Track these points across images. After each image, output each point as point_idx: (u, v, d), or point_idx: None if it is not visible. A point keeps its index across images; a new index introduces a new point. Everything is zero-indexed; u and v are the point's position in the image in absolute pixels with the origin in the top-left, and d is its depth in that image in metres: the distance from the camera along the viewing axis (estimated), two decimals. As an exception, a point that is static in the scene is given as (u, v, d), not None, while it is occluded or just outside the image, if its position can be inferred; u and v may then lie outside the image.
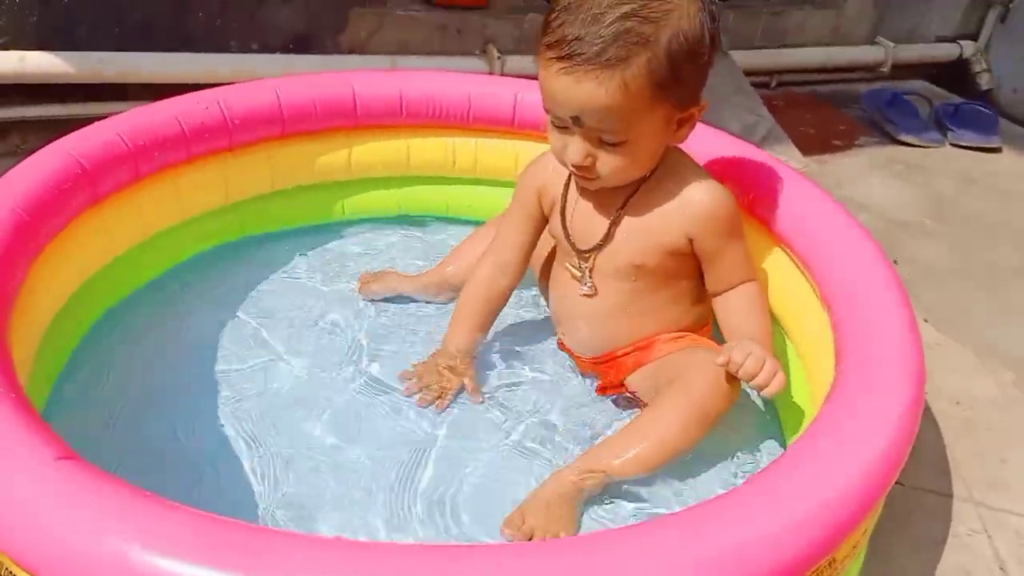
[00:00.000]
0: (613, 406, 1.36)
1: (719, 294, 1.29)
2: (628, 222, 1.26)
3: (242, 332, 1.41)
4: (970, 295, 1.89)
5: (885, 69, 3.03)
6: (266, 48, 2.12)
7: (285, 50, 2.14)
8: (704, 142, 1.40)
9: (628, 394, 1.34)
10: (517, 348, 1.45)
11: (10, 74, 1.86)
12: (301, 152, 1.62)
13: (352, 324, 1.46)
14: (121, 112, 1.42)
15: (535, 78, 1.19)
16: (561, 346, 1.43)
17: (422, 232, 1.76)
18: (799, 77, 2.95)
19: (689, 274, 1.30)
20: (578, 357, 1.39)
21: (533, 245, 1.39)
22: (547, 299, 1.45)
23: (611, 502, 1.17)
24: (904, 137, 2.61)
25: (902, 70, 3.07)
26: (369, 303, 1.52)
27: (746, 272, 1.28)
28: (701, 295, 1.32)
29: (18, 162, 1.26)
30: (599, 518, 1.15)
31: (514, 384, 1.37)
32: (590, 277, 1.30)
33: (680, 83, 1.12)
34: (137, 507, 0.76)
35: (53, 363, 1.25)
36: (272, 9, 2.10)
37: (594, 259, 1.29)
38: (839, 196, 2.20)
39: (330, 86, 1.60)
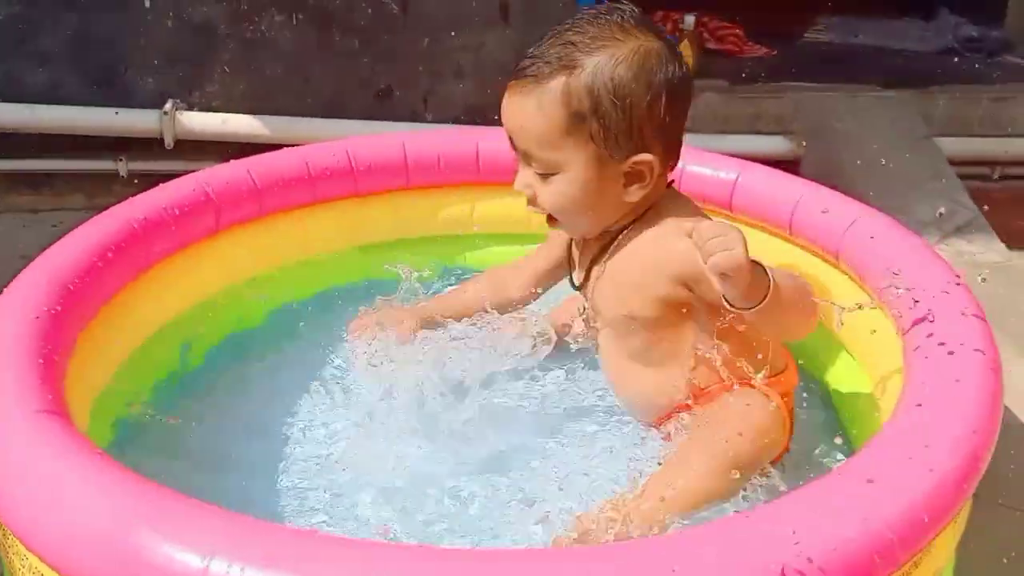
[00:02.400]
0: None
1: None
2: (610, 268, 1.20)
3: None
4: None
5: None
6: (439, 118, 2.28)
7: (457, 120, 2.28)
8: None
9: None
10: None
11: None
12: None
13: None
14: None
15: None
16: None
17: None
18: (1031, 171, 2.63)
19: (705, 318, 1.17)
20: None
21: (548, 275, 1.40)
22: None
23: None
24: None
25: None
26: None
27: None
28: (749, 336, 1.16)
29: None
30: None
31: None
32: (594, 325, 1.26)
33: (602, 121, 1.10)
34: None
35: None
36: (447, 84, 2.26)
37: (588, 308, 1.25)
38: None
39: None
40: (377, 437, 1.22)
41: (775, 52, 2.86)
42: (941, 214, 2.07)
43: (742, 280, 0.99)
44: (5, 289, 1.16)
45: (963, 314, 1.18)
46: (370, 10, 2.17)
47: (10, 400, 0.92)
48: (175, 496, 0.82)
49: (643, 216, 1.18)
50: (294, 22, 2.15)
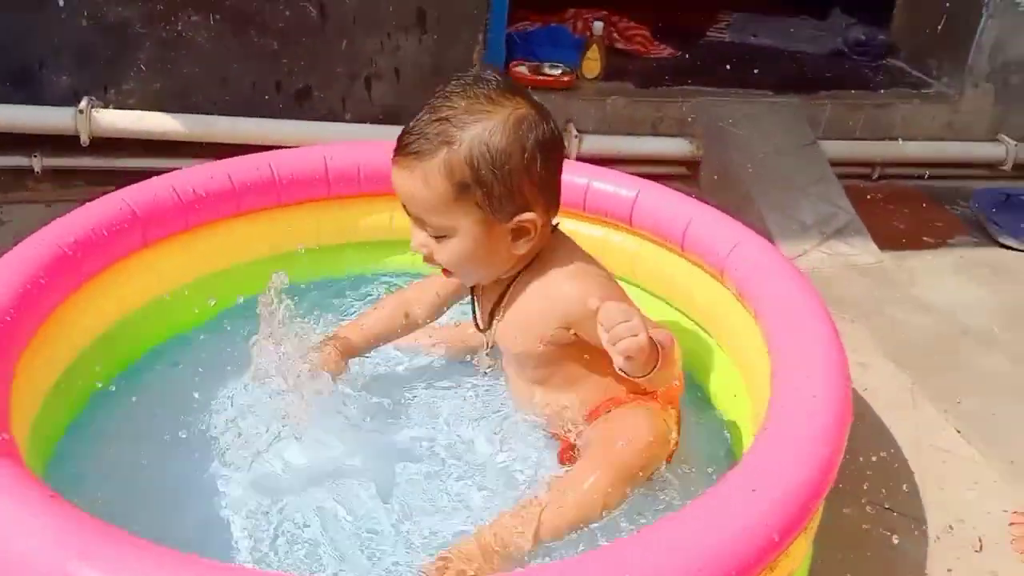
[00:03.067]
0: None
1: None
2: (507, 317, 1.34)
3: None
4: (1018, 411, 1.77)
5: (1007, 167, 2.88)
6: (357, 118, 2.34)
7: (375, 121, 2.35)
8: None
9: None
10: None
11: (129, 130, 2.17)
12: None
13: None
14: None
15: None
16: None
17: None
18: (910, 171, 2.86)
19: (593, 348, 1.29)
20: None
21: (452, 295, 1.50)
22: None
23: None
24: (1005, 240, 2.48)
25: (1030, 169, 2.91)
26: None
27: None
28: None
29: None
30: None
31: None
32: (497, 358, 1.41)
33: (484, 187, 1.21)
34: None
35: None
36: (364, 86, 2.33)
37: (492, 344, 1.39)
38: (908, 293, 2.16)
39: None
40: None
41: (679, 53, 3.00)
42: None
43: (642, 359, 1.14)
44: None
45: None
46: (288, 12, 2.20)
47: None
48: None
49: (531, 264, 1.31)
50: (211, 22, 2.18)
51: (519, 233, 1.26)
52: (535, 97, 1.28)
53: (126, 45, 2.16)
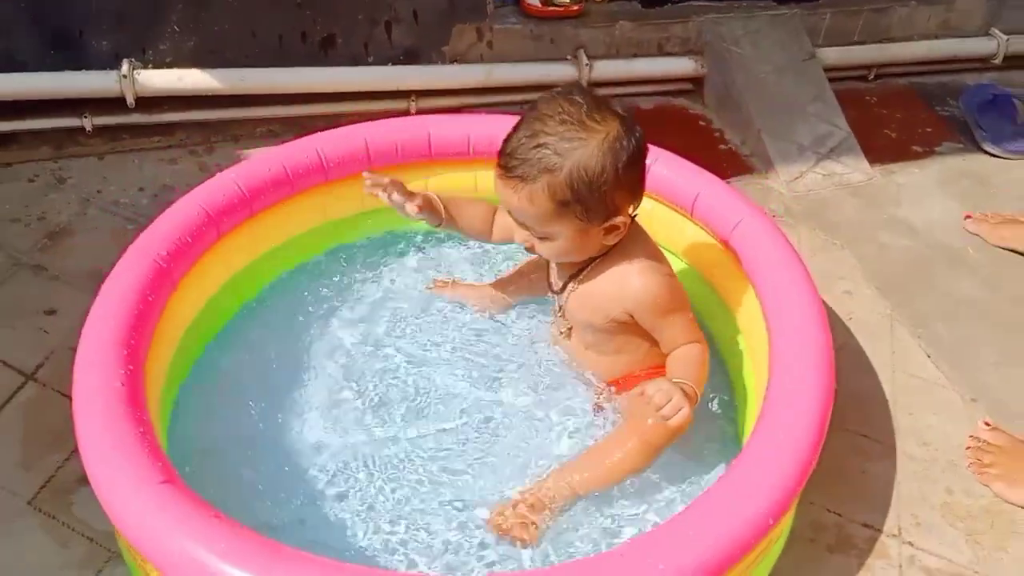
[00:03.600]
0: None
1: (667, 353, 1.58)
2: (581, 289, 1.58)
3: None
4: (982, 335, 2.04)
5: (997, 60, 3.01)
6: (379, 61, 2.47)
7: (396, 62, 2.48)
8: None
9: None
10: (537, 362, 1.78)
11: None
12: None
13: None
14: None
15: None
16: None
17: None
18: (903, 69, 2.98)
19: (643, 330, 1.58)
20: None
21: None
22: None
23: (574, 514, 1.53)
24: (988, 147, 2.65)
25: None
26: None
27: (686, 337, 1.56)
28: None
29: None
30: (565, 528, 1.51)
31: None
32: (564, 319, 1.65)
33: (583, 204, 1.42)
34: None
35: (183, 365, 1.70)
36: (385, 31, 2.43)
37: (562, 308, 1.64)
38: (894, 215, 2.38)
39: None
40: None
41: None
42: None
43: (682, 430, 1.41)
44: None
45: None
46: (310, -36, 2.29)
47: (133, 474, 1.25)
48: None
49: (613, 248, 1.53)
50: (238, -22, 2.27)
51: (610, 231, 1.49)
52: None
53: (159, 6, 2.26)
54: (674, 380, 1.45)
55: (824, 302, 1.63)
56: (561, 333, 1.70)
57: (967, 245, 2.29)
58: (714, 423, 1.68)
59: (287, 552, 1.15)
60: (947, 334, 2.03)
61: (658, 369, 1.61)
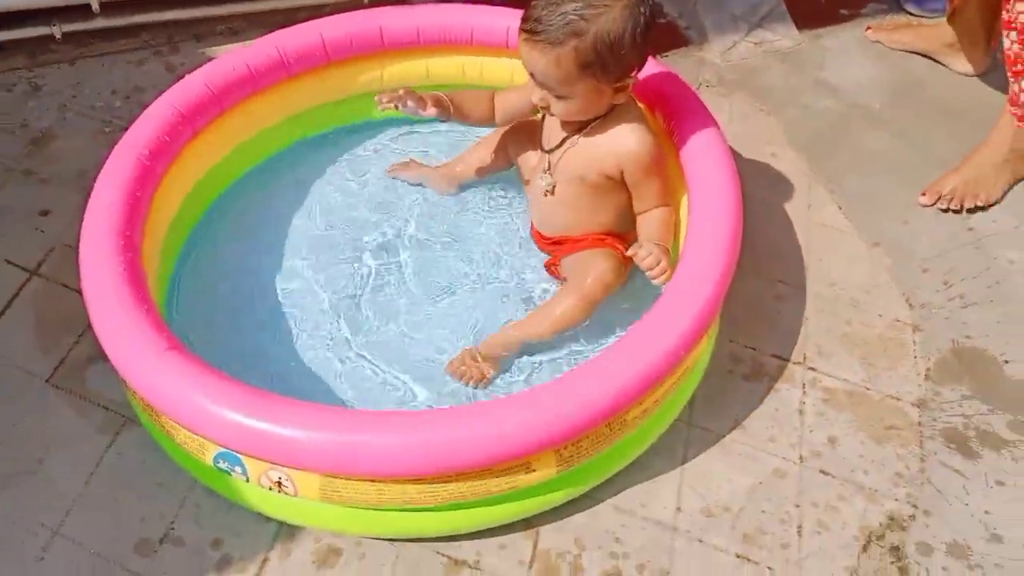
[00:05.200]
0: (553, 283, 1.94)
1: (640, 213, 1.81)
2: (581, 143, 1.76)
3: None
4: (889, 188, 2.27)
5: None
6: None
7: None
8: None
9: (560, 277, 1.90)
10: (496, 234, 2.02)
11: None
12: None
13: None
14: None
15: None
16: (532, 231, 1.98)
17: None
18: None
19: (621, 193, 1.80)
20: (538, 234, 1.95)
21: (516, 113, 1.89)
22: (528, 195, 1.97)
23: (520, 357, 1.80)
24: (909, 7, 2.79)
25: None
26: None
27: (662, 199, 1.78)
28: (631, 210, 1.83)
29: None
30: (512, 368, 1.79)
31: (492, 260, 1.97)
32: (550, 176, 1.84)
33: (603, 66, 1.59)
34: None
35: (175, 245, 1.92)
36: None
37: (552, 163, 1.82)
38: (818, 78, 2.56)
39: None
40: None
41: None
42: (700, 86, 2.55)
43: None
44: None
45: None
46: None
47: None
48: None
49: (613, 109, 1.70)
50: None
51: (620, 90, 1.66)
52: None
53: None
54: (654, 243, 1.69)
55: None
56: (544, 192, 1.86)
57: (879, 102, 2.49)
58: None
59: (274, 398, 1.40)
60: (855, 186, 2.26)
61: (602, 237, 1.84)
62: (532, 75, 1.66)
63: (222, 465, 1.47)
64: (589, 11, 1.55)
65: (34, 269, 1.99)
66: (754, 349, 1.91)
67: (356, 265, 1.94)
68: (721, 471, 1.72)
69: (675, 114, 1.87)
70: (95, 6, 2.42)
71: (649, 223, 1.79)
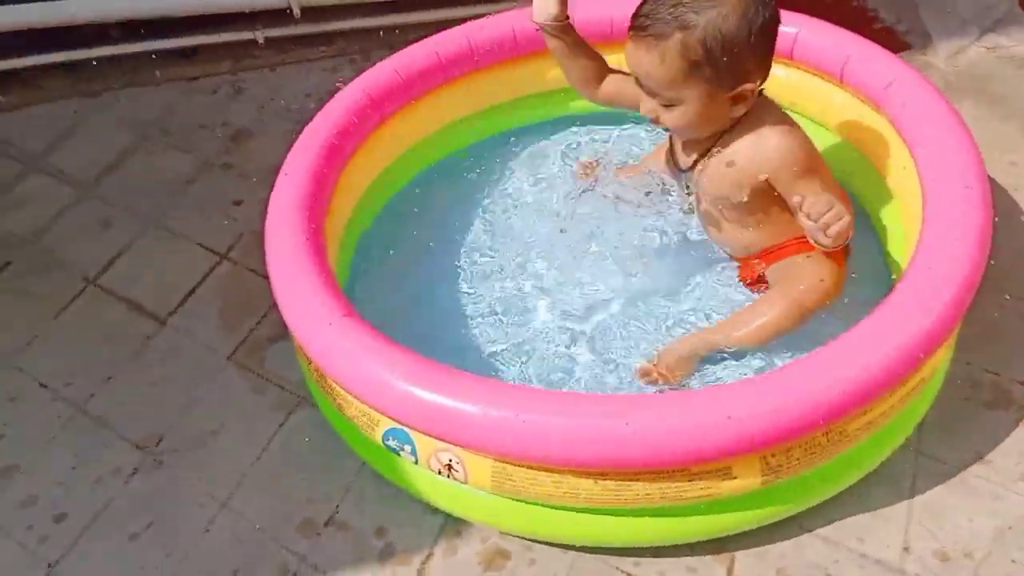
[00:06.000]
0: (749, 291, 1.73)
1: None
2: (714, 163, 1.56)
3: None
4: None
5: None
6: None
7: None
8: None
9: (760, 287, 1.68)
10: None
11: None
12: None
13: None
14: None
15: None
16: None
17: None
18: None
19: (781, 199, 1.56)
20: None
21: (622, 100, 1.68)
22: None
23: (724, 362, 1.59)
24: None
25: None
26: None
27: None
28: None
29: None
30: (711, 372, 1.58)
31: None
32: (691, 198, 1.67)
33: (715, 67, 1.41)
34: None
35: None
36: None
37: (691, 185, 1.64)
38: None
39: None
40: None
41: None
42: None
43: (845, 238, 1.41)
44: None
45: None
46: None
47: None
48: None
49: (741, 120, 1.51)
50: None
51: (738, 98, 1.47)
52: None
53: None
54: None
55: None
56: (688, 212, 1.71)
57: None
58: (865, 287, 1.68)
59: (450, 370, 1.28)
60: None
61: (803, 238, 1.61)
62: (639, 81, 1.48)
63: (391, 443, 1.37)
64: (700, 3, 1.38)
65: (224, 253, 2.01)
66: (996, 374, 1.63)
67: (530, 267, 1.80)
68: (959, 509, 1.45)
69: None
70: (296, 11, 2.48)
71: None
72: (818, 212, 1.41)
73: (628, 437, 1.19)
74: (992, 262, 1.72)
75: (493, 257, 1.84)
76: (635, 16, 1.46)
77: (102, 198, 2.19)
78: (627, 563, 1.42)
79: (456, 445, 1.29)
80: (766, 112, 1.53)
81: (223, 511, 1.54)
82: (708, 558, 1.41)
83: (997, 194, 1.94)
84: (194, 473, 1.60)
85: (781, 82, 1.79)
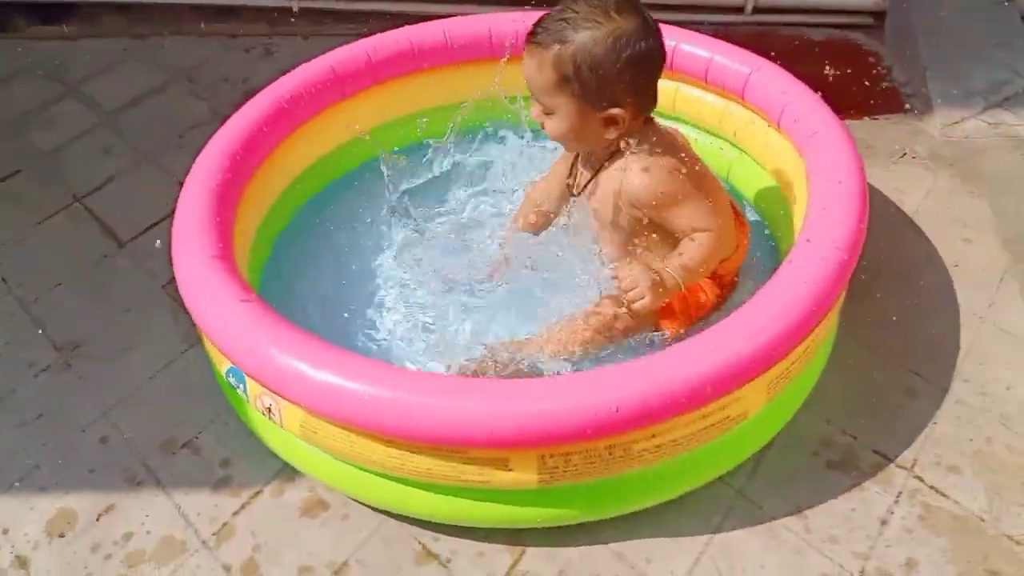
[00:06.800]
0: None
1: (679, 239, 1.62)
2: (598, 190, 1.66)
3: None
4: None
5: None
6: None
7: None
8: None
9: None
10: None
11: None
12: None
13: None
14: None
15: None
16: None
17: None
18: None
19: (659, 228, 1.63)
20: None
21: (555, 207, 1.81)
22: None
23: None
24: None
25: None
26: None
27: (693, 226, 1.59)
28: None
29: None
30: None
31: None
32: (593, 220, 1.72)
33: (582, 84, 1.49)
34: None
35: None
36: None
37: (571, 205, 1.73)
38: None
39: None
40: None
41: None
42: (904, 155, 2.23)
43: (654, 306, 1.54)
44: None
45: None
46: None
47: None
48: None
49: (629, 148, 1.58)
50: None
51: (609, 122, 1.56)
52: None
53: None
54: (656, 267, 1.55)
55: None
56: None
57: None
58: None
59: (283, 323, 1.41)
60: None
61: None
62: (528, 87, 1.58)
63: (231, 380, 1.50)
64: (582, 22, 1.48)
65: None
66: (854, 438, 1.63)
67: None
68: (755, 555, 1.46)
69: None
70: (329, -14, 2.66)
71: (682, 247, 1.61)
72: (626, 286, 1.53)
73: (407, 410, 1.28)
74: (901, 330, 1.74)
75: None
76: (534, 25, 1.56)
77: (114, 128, 2.43)
78: (427, 536, 1.50)
79: (267, 392, 1.41)
80: (648, 143, 1.59)
81: (102, 418, 1.71)
82: (500, 546, 1.48)
83: (937, 268, 1.93)
84: (93, 382, 1.78)
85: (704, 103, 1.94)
